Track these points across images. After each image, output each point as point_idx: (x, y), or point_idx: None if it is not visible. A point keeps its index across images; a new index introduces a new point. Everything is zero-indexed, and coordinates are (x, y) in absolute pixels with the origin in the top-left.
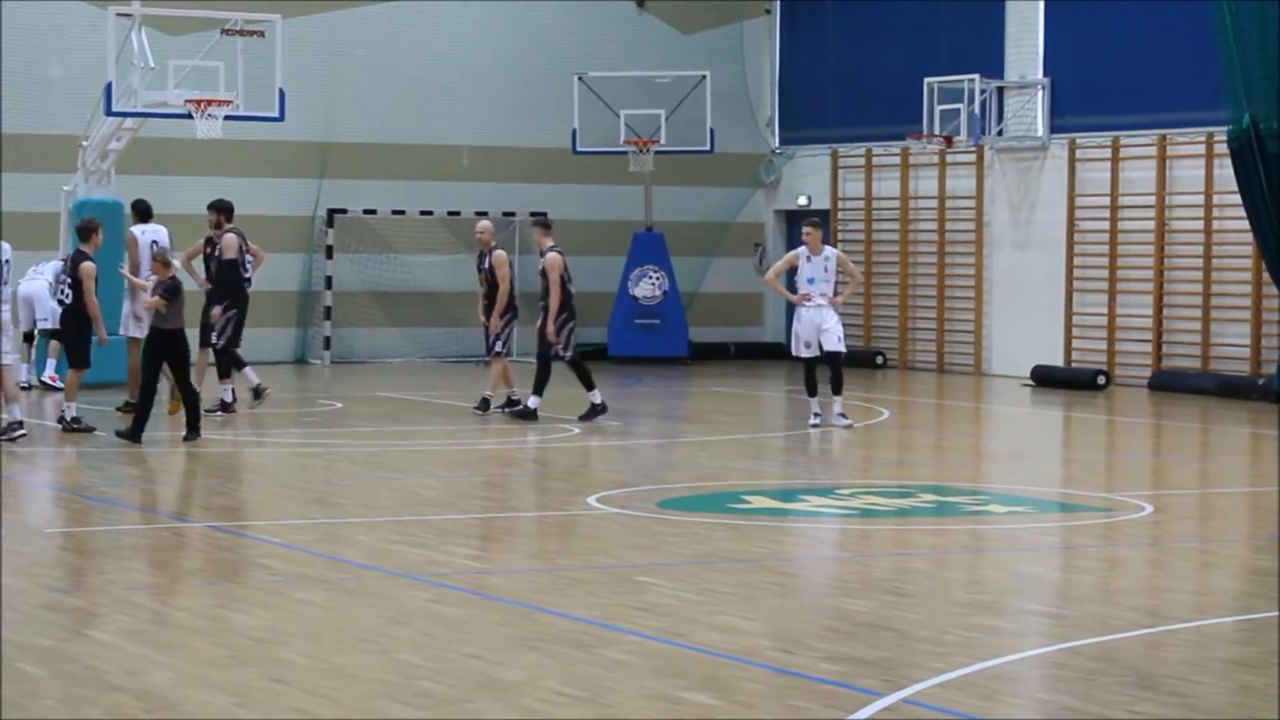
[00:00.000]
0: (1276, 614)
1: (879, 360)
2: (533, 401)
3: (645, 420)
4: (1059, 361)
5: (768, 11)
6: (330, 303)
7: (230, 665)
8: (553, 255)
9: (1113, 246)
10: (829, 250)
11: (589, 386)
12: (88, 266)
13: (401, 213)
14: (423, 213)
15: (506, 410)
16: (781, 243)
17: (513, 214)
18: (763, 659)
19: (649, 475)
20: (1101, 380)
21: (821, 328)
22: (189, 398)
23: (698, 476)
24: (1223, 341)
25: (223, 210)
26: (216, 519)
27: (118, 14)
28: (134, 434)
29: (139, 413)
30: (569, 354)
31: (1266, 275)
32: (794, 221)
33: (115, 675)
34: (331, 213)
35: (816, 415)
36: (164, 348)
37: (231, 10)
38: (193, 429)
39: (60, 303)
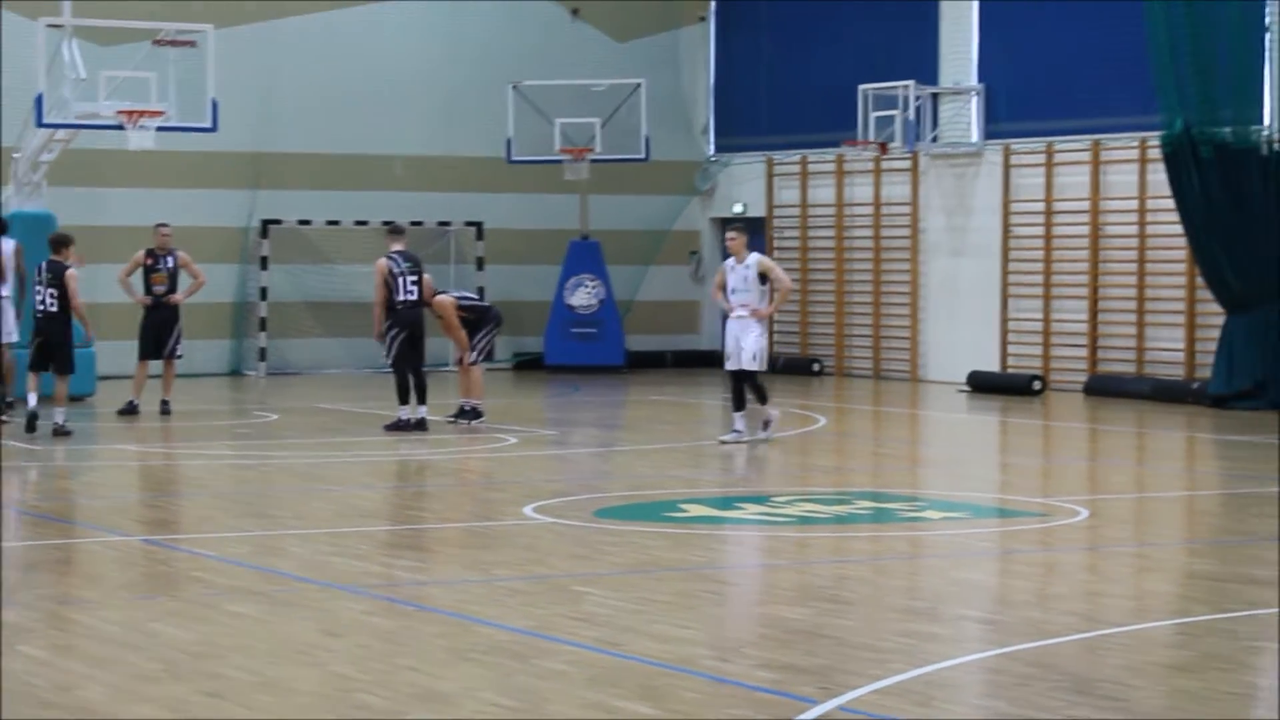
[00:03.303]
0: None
1: (815, 367)
2: (421, 411)
3: (582, 429)
4: (995, 367)
5: (702, 19)
6: (265, 314)
7: (165, 680)
8: (380, 260)
9: (1048, 252)
10: (752, 258)
11: (401, 400)
12: (74, 273)
13: (336, 223)
14: (358, 223)
15: (454, 419)
16: (717, 250)
17: (448, 224)
18: (700, 668)
19: (586, 484)
20: (1037, 385)
21: (740, 342)
22: None
23: (635, 485)
24: (1157, 346)
25: None
26: (150, 532)
27: (48, 25)
28: None
29: None
30: (388, 357)
31: (1200, 279)
32: (730, 229)
33: (48, 691)
34: (266, 223)
35: (735, 431)
36: None
37: (163, 21)
38: None
39: (45, 312)
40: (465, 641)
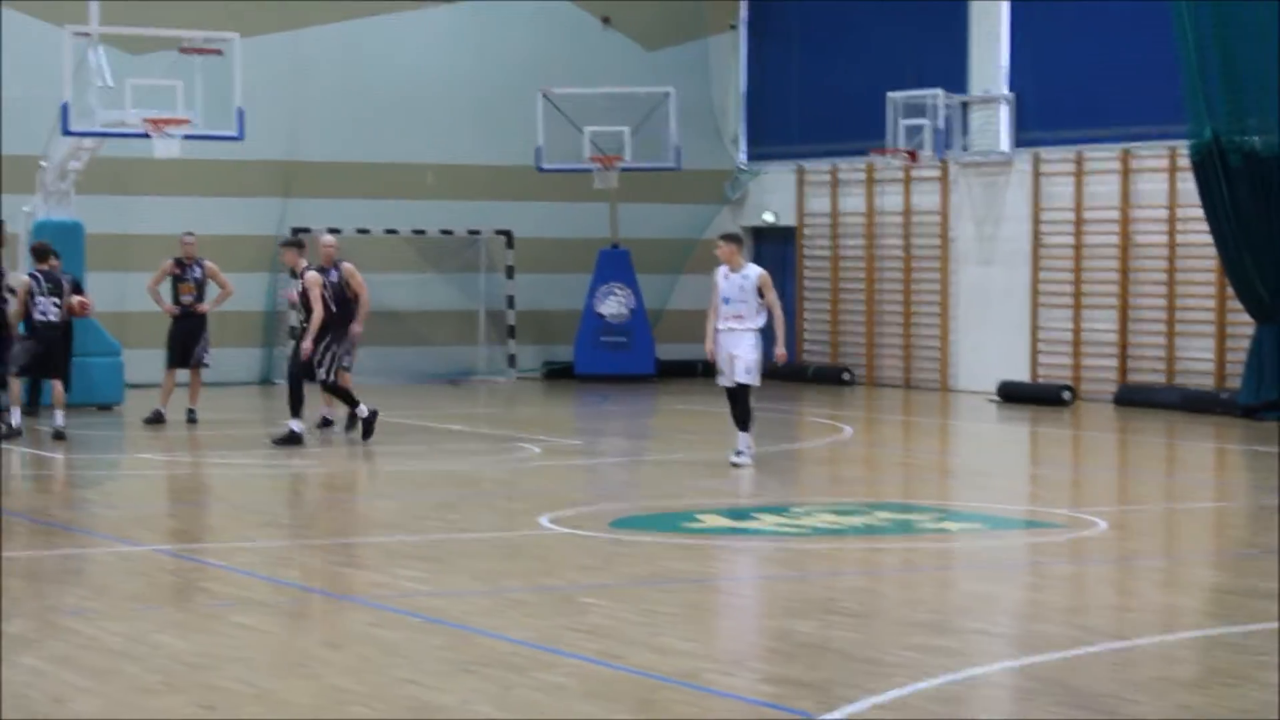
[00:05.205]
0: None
1: (846, 377)
2: (296, 425)
3: (608, 439)
4: (1025, 377)
5: (733, 27)
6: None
7: (162, 692)
8: (312, 274)
9: (1077, 261)
10: (752, 269)
11: (352, 404)
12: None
13: (366, 231)
14: (388, 231)
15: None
16: (747, 259)
17: (478, 232)
18: (700, 681)
19: (606, 494)
20: (1067, 395)
21: (733, 355)
22: None
23: (655, 496)
24: (1188, 356)
25: None
26: (165, 542)
27: (75, 33)
28: None
29: None
30: (329, 376)
31: (1230, 289)
32: (760, 238)
33: (42, 703)
34: (296, 232)
35: (740, 452)
36: None
37: (190, 29)
38: None
39: (45, 321)
40: (466, 654)
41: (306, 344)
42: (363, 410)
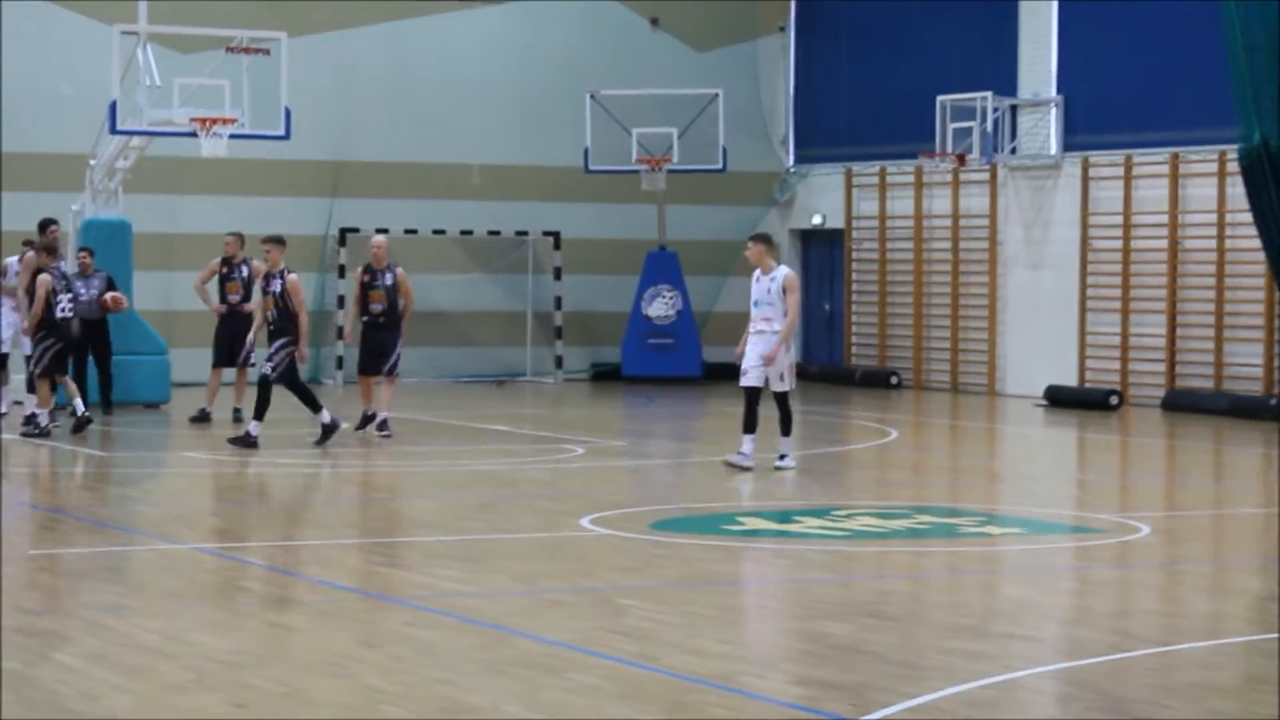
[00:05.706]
0: (1276, 635)
1: (894, 380)
2: (325, 416)
3: (652, 441)
4: (1073, 381)
5: (781, 29)
6: (342, 322)
7: (194, 690)
8: (294, 277)
9: (1126, 266)
10: (780, 271)
11: (315, 408)
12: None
13: (414, 232)
14: (435, 232)
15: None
16: (796, 262)
17: (525, 233)
18: (734, 683)
19: (648, 496)
20: (1114, 400)
21: (765, 360)
22: None
23: (697, 497)
24: (1236, 361)
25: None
26: (205, 540)
27: (123, 32)
28: None
29: None
30: (274, 373)
31: (1279, 294)
32: (808, 241)
33: (74, 700)
34: (344, 232)
35: (741, 454)
36: None
37: (237, 29)
38: None
39: (64, 318)
40: (500, 654)
41: (303, 348)
42: (325, 416)
